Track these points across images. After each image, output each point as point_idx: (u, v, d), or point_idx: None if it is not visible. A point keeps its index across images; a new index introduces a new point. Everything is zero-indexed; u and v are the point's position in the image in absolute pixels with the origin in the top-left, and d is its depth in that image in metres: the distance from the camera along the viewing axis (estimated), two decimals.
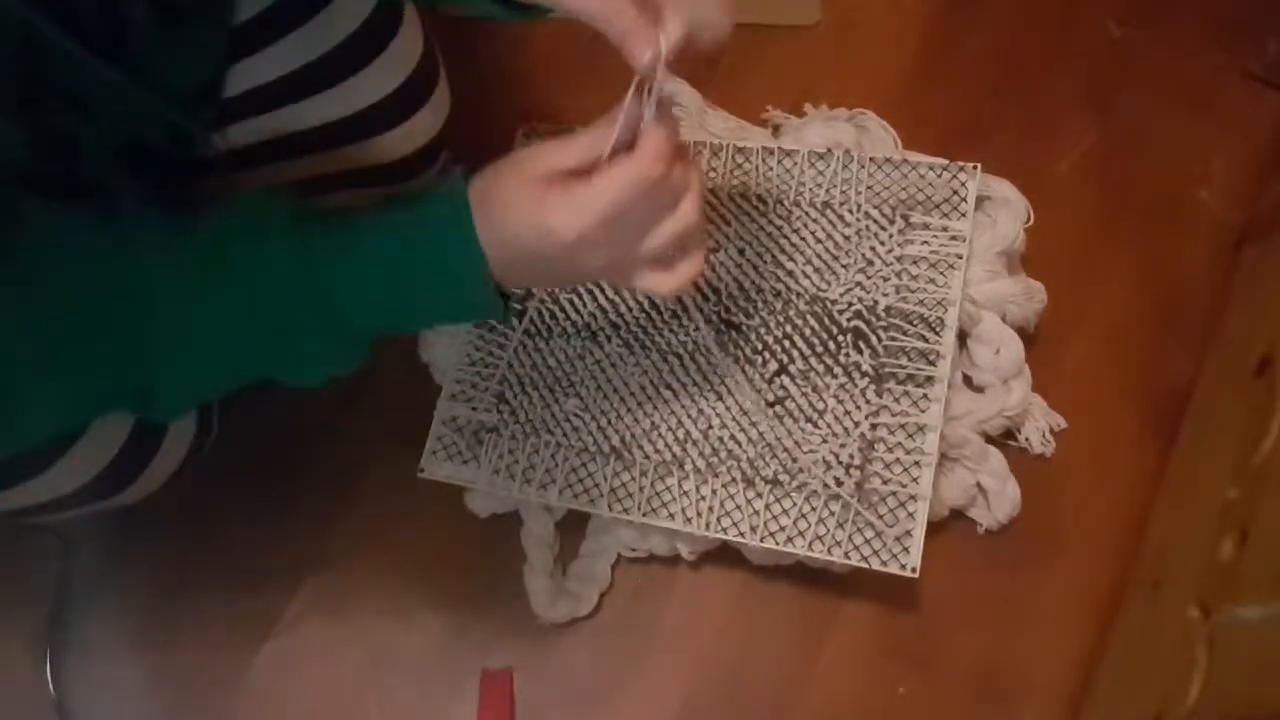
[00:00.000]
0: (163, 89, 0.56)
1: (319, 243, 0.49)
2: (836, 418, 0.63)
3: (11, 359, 0.46)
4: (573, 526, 0.71)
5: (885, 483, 0.61)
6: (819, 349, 0.65)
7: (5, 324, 0.46)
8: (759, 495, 0.63)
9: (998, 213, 0.68)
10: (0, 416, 0.48)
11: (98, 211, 0.48)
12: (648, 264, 0.50)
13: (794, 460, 0.63)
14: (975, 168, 0.67)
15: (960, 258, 0.65)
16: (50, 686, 0.73)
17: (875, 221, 0.68)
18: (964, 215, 0.66)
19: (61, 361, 0.47)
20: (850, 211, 0.69)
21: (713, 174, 0.72)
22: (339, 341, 0.51)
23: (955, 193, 0.67)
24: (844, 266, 0.67)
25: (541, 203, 0.47)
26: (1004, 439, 0.68)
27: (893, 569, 0.59)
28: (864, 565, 0.60)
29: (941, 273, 0.65)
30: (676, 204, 0.48)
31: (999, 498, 0.66)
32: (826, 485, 0.62)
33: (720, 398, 0.66)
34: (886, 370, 0.64)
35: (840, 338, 0.65)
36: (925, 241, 0.66)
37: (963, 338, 0.67)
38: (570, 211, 0.46)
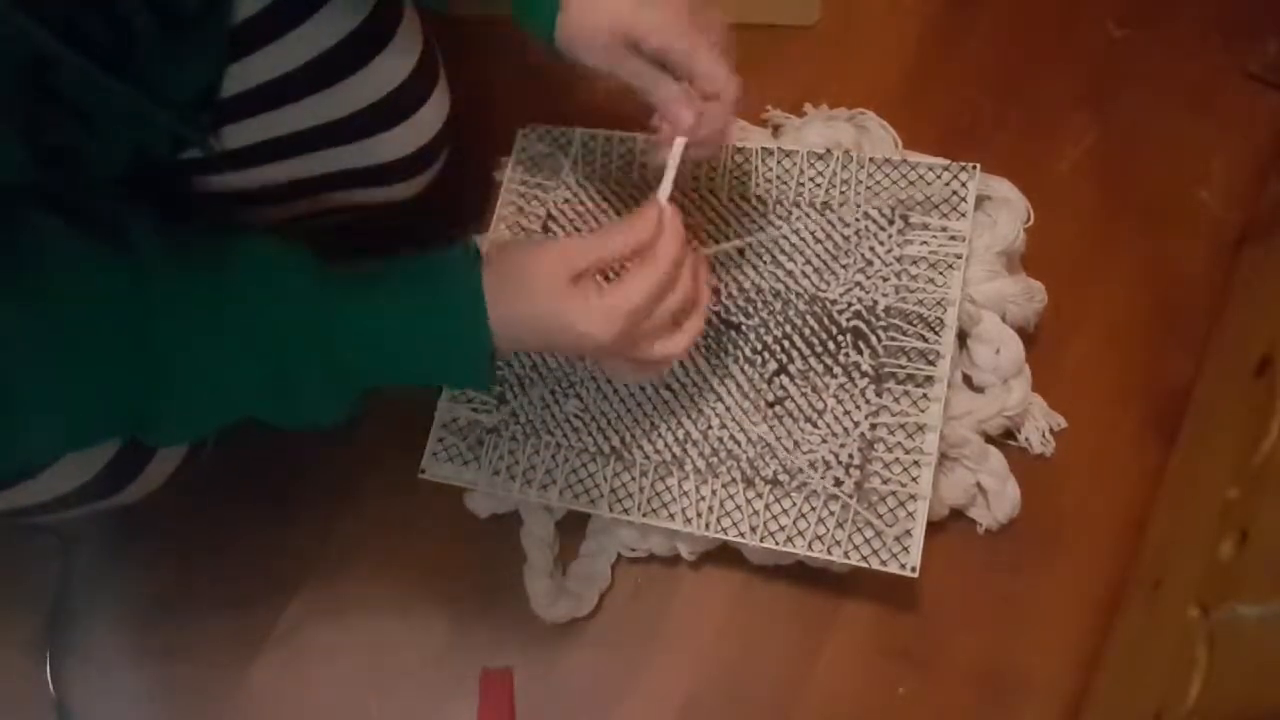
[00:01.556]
0: (165, 98, 0.56)
1: (335, 297, 0.51)
2: (836, 417, 0.63)
3: (16, 382, 0.46)
4: (573, 526, 0.71)
5: (885, 482, 0.61)
6: (818, 349, 0.65)
7: (12, 347, 0.46)
8: (759, 495, 0.63)
9: (998, 212, 0.68)
10: (3, 438, 0.48)
11: (112, 238, 0.48)
12: (656, 338, 0.53)
13: (794, 460, 0.63)
14: (975, 168, 0.67)
15: (960, 258, 0.65)
16: (50, 687, 0.73)
17: (875, 222, 0.68)
18: (963, 215, 0.66)
19: (68, 388, 0.48)
20: (850, 212, 0.69)
21: (712, 174, 0.72)
22: (337, 393, 0.52)
23: (955, 193, 0.67)
24: (843, 266, 0.67)
25: (577, 307, 0.50)
26: (1004, 439, 0.68)
27: (892, 569, 0.59)
28: (864, 565, 0.60)
29: (941, 273, 0.65)
30: (688, 295, 0.53)
31: (999, 498, 0.66)
32: (826, 485, 0.62)
33: (720, 398, 0.66)
34: (886, 370, 0.64)
35: (840, 338, 0.65)
36: (925, 242, 0.66)
37: (963, 337, 0.67)
38: (605, 319, 0.50)
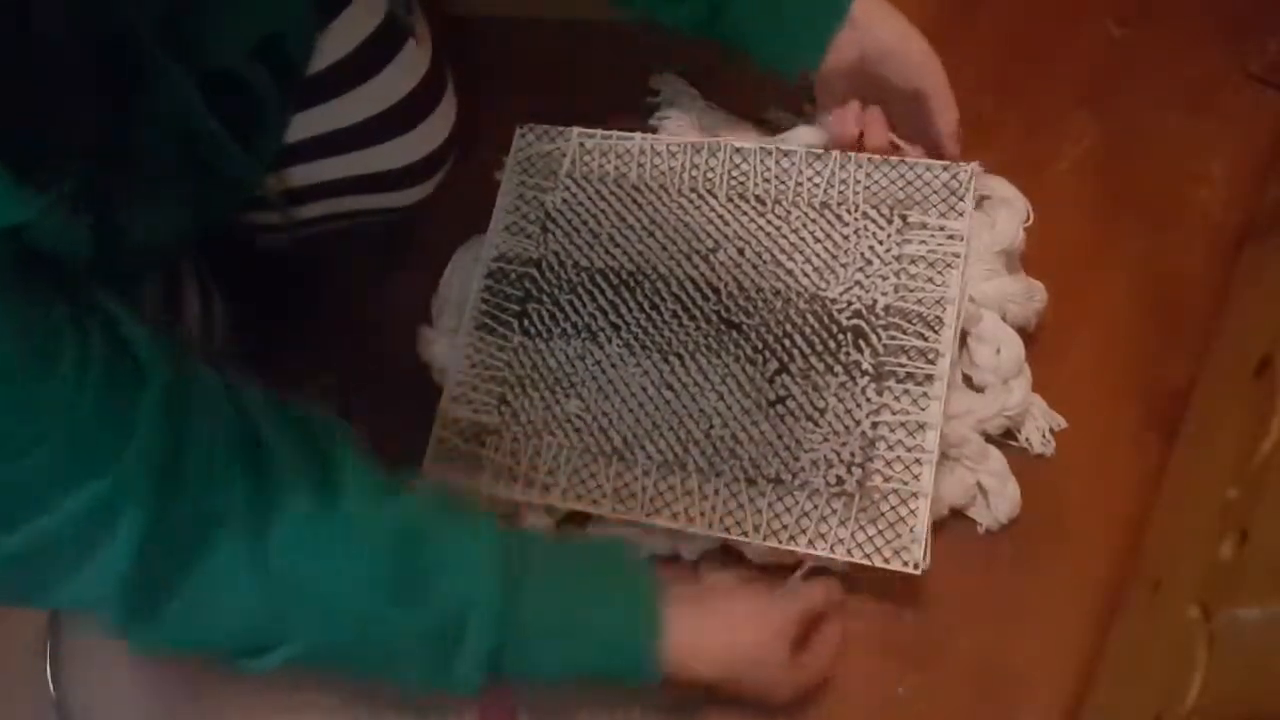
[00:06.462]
0: (260, 156, 0.60)
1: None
2: (837, 416, 0.63)
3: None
4: (573, 526, 0.70)
5: (887, 480, 0.61)
6: (819, 348, 0.65)
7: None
8: (761, 494, 0.63)
9: (997, 212, 0.68)
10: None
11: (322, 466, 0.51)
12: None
13: (796, 459, 0.63)
14: (972, 167, 0.67)
15: (958, 257, 0.65)
16: (50, 685, 0.73)
17: (873, 221, 0.68)
18: (961, 215, 0.66)
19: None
20: (848, 211, 0.69)
21: (711, 174, 0.72)
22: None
23: (953, 193, 0.67)
24: (843, 265, 0.67)
25: (787, 666, 0.58)
26: (1004, 439, 0.68)
27: (895, 566, 0.59)
28: (867, 562, 0.60)
29: (940, 272, 0.65)
30: None
31: (999, 497, 0.66)
32: (829, 483, 0.62)
33: (721, 397, 0.66)
34: (886, 369, 0.64)
35: (840, 336, 0.65)
36: (923, 241, 0.66)
37: (963, 337, 0.67)
38: (798, 689, 0.60)
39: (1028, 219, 0.68)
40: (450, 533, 0.53)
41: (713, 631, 0.56)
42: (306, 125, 0.63)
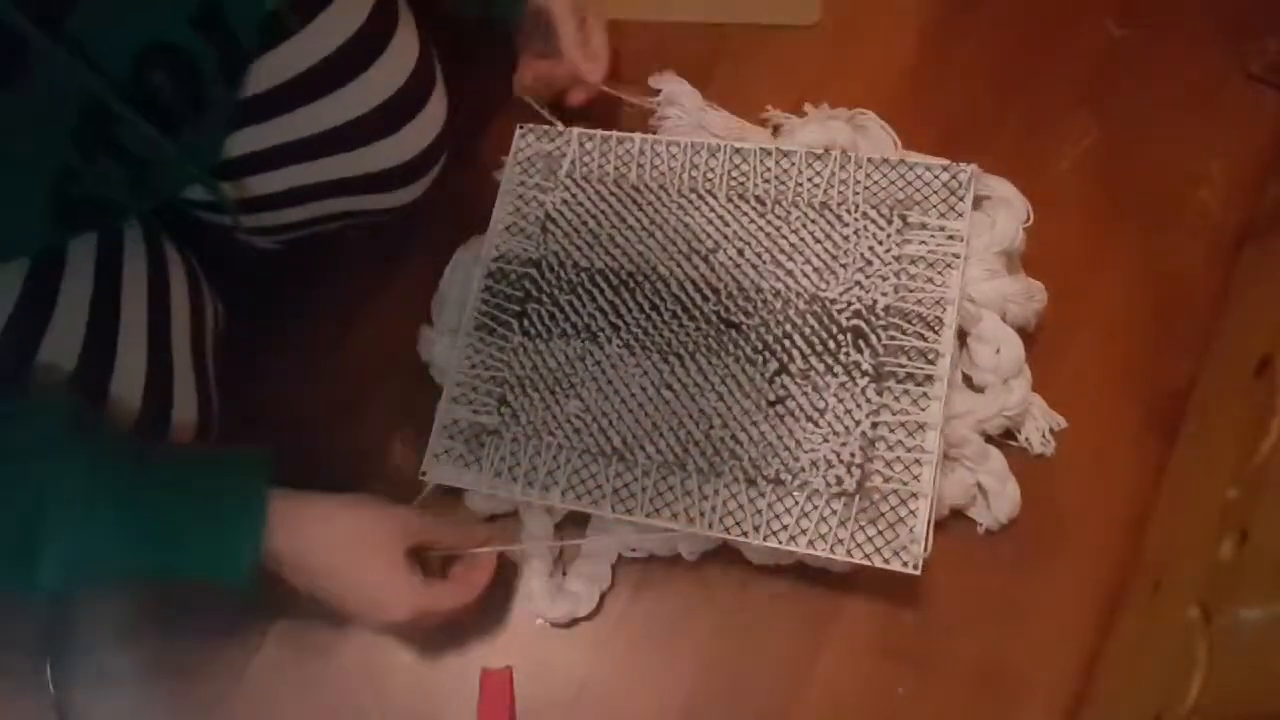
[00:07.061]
0: (199, 153, 0.59)
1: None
2: (837, 416, 0.63)
3: None
4: (573, 526, 0.71)
5: (887, 480, 0.61)
6: (819, 348, 0.66)
7: None
8: (761, 494, 0.63)
9: (997, 212, 0.68)
10: None
11: None
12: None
13: (795, 459, 0.63)
14: (971, 168, 0.68)
15: (958, 257, 0.65)
16: (50, 685, 0.73)
17: (873, 221, 0.68)
18: (960, 215, 0.67)
19: None
20: (848, 211, 0.69)
21: (711, 174, 0.72)
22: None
23: (952, 193, 0.67)
24: (843, 266, 0.67)
25: (397, 578, 0.59)
26: (1004, 439, 0.68)
27: (895, 566, 0.59)
28: (867, 563, 0.60)
29: (940, 272, 0.65)
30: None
31: (999, 498, 0.66)
32: (828, 484, 0.62)
33: (721, 398, 0.66)
34: (886, 369, 0.64)
35: (840, 337, 0.65)
36: (923, 241, 0.66)
37: (963, 337, 0.67)
38: (411, 599, 0.59)
39: (1028, 219, 0.68)
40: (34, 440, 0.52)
41: (308, 538, 0.57)
42: (291, 128, 0.62)
